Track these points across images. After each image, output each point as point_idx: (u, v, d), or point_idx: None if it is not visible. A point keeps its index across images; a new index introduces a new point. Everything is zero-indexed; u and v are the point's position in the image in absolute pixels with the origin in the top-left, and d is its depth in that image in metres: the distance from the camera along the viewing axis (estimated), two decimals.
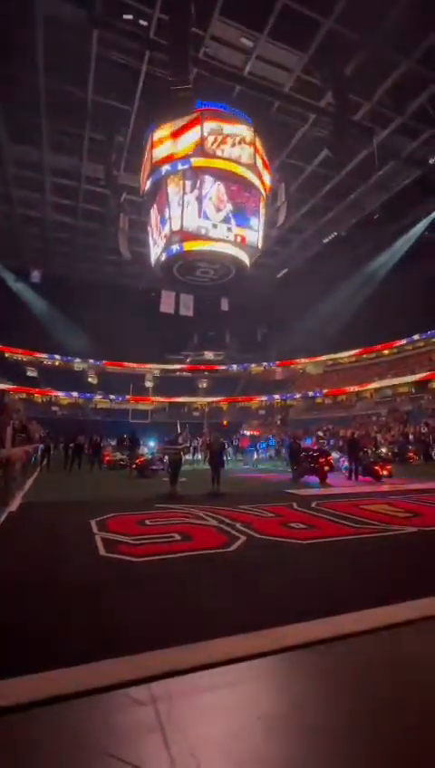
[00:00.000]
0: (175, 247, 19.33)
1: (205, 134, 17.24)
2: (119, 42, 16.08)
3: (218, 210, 18.36)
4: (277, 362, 47.56)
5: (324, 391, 40.25)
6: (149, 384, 45.01)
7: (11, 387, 34.95)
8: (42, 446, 16.04)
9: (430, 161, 22.84)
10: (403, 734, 1.71)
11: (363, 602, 2.94)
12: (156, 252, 21.17)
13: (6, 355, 39.94)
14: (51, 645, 2.44)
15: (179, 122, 17.40)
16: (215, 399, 46.74)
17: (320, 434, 26.63)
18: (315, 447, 14.54)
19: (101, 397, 43.60)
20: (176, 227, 18.04)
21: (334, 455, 14.97)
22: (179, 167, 17.73)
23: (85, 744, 1.65)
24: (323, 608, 2.88)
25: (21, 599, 3.22)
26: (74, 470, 14.53)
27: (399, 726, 1.75)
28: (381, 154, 21.31)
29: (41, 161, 23.66)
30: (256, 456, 21.00)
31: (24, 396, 37.77)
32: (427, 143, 21.77)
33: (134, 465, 13.75)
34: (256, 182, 18.97)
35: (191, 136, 17.38)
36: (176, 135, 17.60)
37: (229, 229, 18.79)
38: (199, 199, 17.81)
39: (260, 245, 20.26)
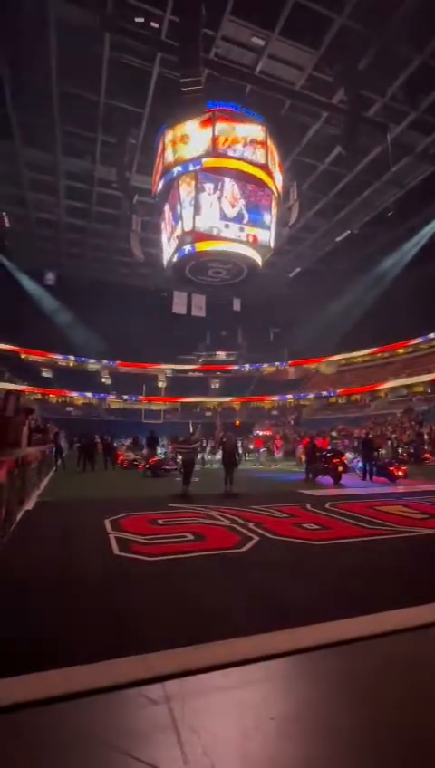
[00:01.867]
0: (187, 248, 19.41)
1: (216, 134, 17.26)
2: (130, 44, 16.22)
3: (231, 210, 18.36)
4: (290, 362, 47.22)
5: (338, 391, 39.83)
6: (161, 384, 45.23)
7: (26, 387, 35.48)
8: (54, 446, 16.21)
9: None
10: (418, 736, 1.69)
11: (378, 605, 2.90)
12: (168, 252, 21.28)
13: (22, 356, 40.54)
14: (66, 642, 2.47)
15: (191, 123, 17.46)
16: (227, 400, 46.68)
17: (334, 434, 26.40)
18: (328, 448, 14.43)
19: (114, 397, 43.97)
20: (188, 228, 18.11)
21: (348, 455, 14.83)
22: (191, 167, 17.79)
23: (100, 741, 1.66)
24: (338, 610, 2.85)
25: (37, 596, 3.27)
26: (87, 470, 14.67)
27: (414, 729, 1.73)
28: (395, 150, 21.05)
29: (54, 164, 24.01)
30: (272, 455, 20.86)
31: (39, 396, 38.31)
32: None
33: (147, 465, 13.83)
34: (268, 181, 18.91)
35: (203, 136, 17.44)
36: (187, 136, 17.66)
37: (241, 229, 18.80)
38: (211, 199, 17.84)
39: (272, 245, 20.22)
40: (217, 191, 18.08)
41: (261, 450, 21.77)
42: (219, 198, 18.12)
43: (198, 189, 17.70)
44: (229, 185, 18.26)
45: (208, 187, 17.92)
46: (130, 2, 14.83)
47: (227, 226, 18.40)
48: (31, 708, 1.82)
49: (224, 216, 18.27)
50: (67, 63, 17.05)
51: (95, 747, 1.63)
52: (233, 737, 1.68)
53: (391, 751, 1.61)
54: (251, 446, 23.86)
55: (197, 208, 17.76)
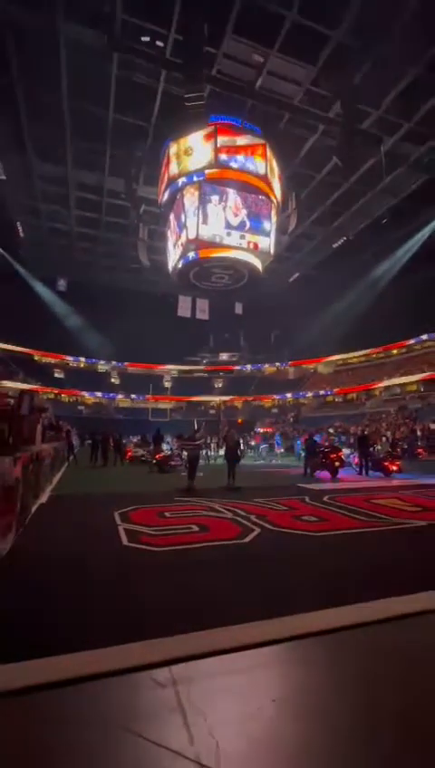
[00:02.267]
0: (191, 255, 19.42)
1: (218, 147, 17.26)
2: (137, 63, 16.25)
3: (233, 218, 18.36)
4: (290, 362, 47.22)
5: (335, 390, 39.77)
6: (167, 384, 45.37)
7: (40, 387, 35.61)
8: (67, 443, 16.28)
9: None
10: (408, 714, 1.69)
11: (374, 593, 2.89)
12: (173, 259, 21.31)
13: (36, 358, 40.73)
14: (79, 628, 2.48)
15: (194, 136, 17.47)
16: (230, 398, 46.67)
17: (331, 431, 26.32)
18: (326, 444, 14.38)
19: (122, 396, 44.06)
20: (192, 236, 18.13)
21: (345, 451, 14.78)
22: (195, 178, 17.81)
23: (111, 721, 1.67)
24: (336, 598, 2.85)
25: (51, 585, 3.28)
26: (99, 465, 14.73)
27: (405, 709, 1.73)
28: (389, 161, 20.99)
29: (66, 177, 24.09)
30: (272, 450, 20.82)
31: (52, 396, 38.42)
32: (434, 149, 21.29)
33: (154, 461, 13.84)
34: (268, 191, 18.89)
35: (206, 149, 17.44)
36: (191, 148, 17.67)
37: (243, 236, 18.78)
38: (215, 209, 17.84)
39: (272, 251, 20.20)
40: (222, 202, 18.08)
41: (262, 446, 21.70)
42: (223, 208, 18.12)
43: (202, 199, 17.71)
44: (232, 195, 18.25)
45: (212, 197, 17.91)
46: (136, 22, 14.84)
47: (229, 234, 18.40)
48: (46, 690, 1.83)
49: (226, 225, 18.27)
50: (78, 81, 17.10)
51: (106, 727, 1.64)
52: (236, 718, 1.68)
53: (383, 730, 1.61)
54: (252, 443, 23.82)
55: (200, 217, 17.76)
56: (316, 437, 14.84)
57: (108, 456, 15.57)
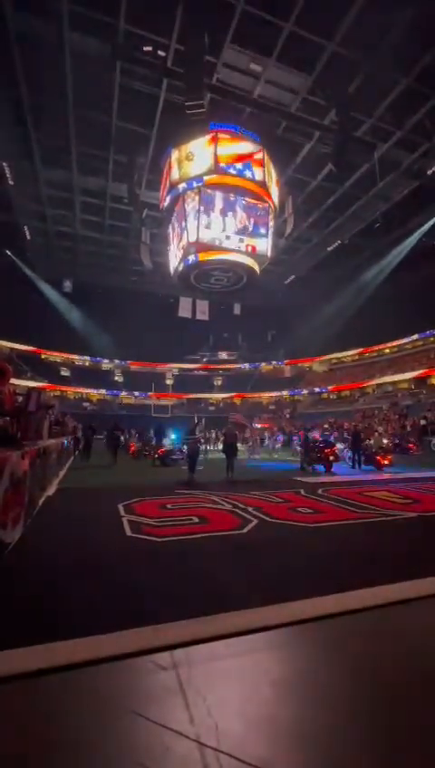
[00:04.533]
0: (191, 257, 19.34)
1: (218, 153, 17.17)
2: (139, 72, 16.16)
3: (232, 222, 18.29)
4: (286, 361, 47.28)
5: (329, 387, 39.80)
6: (169, 382, 45.42)
7: (47, 385, 35.59)
8: (74, 438, 16.23)
9: (429, 172, 22.25)
10: (406, 697, 1.70)
11: (367, 581, 2.90)
12: (175, 262, 21.23)
13: (42, 356, 40.67)
14: (85, 613, 2.49)
15: (195, 143, 17.38)
16: (228, 395, 46.70)
17: (326, 426, 26.32)
18: (320, 439, 14.39)
19: (126, 393, 44.06)
20: (192, 239, 18.05)
21: (339, 446, 14.80)
22: (195, 184, 17.71)
23: (115, 703, 1.68)
24: (330, 585, 2.86)
25: (57, 574, 3.29)
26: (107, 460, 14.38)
27: (398, 691, 1.74)
28: (382, 167, 20.94)
29: (71, 182, 23.98)
30: (271, 447, 20.79)
31: (58, 393, 38.40)
32: (425, 155, 21.24)
33: (156, 455, 13.85)
34: (266, 196, 18.81)
35: (206, 155, 17.34)
36: (192, 154, 17.58)
37: (241, 240, 18.70)
38: (214, 213, 17.77)
39: (269, 254, 20.13)
40: (221, 206, 18.00)
41: (266, 442, 21.57)
42: (222, 212, 18.05)
43: (202, 204, 17.63)
44: (231, 199, 18.17)
45: (212, 201, 17.83)
46: (138, 33, 14.74)
47: (227, 237, 18.32)
48: (54, 674, 1.84)
49: (225, 228, 18.21)
50: (82, 89, 17.01)
51: (111, 708, 1.65)
52: (235, 700, 1.69)
53: (378, 711, 1.61)
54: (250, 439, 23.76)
55: (200, 221, 17.70)
56: (316, 434, 14.91)
57: (116, 454, 14.94)
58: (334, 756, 1.42)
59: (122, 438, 17.29)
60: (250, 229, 18.72)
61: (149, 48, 15.25)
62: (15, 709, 1.66)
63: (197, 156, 17.47)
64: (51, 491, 7.27)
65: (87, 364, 44.71)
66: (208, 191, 17.67)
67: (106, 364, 46.01)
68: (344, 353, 40.91)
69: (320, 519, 5.12)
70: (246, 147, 17.84)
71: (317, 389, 40.94)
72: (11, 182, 23.00)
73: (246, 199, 18.41)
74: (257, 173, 18.01)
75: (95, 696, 1.75)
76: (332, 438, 16.91)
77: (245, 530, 4.58)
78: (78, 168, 22.48)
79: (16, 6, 13.86)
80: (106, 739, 1.49)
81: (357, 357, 40.18)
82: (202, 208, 17.53)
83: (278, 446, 21.76)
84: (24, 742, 1.49)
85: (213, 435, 22.77)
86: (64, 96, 17.40)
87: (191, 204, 17.95)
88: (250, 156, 17.83)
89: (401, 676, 1.86)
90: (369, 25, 14.11)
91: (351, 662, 1.99)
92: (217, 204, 17.84)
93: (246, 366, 49.15)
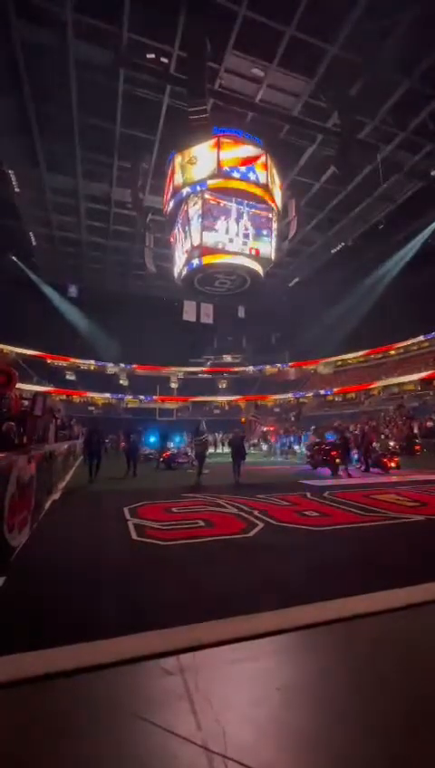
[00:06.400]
0: (195, 261, 19.41)
1: (221, 158, 17.26)
2: (143, 78, 16.29)
3: (235, 226, 18.35)
4: (290, 363, 47.14)
5: (335, 389, 39.61)
6: (173, 385, 45.47)
7: (52, 389, 35.79)
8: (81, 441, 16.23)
9: (432, 173, 22.16)
10: (413, 701, 1.68)
11: (374, 586, 2.88)
12: (179, 265, 21.31)
13: (48, 361, 40.91)
14: (90, 619, 2.49)
15: (198, 148, 17.48)
16: (233, 398, 46.65)
17: (335, 425, 26.02)
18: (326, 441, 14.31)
19: (131, 397, 44.16)
20: (196, 243, 18.12)
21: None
22: (198, 188, 17.80)
23: (122, 708, 1.68)
24: (336, 590, 2.83)
25: (63, 577, 3.30)
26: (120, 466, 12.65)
27: (405, 697, 1.72)
28: (385, 169, 20.90)
29: (75, 188, 24.17)
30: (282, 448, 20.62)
31: (63, 397, 38.59)
32: (428, 156, 21.17)
33: (162, 459, 13.86)
34: (269, 199, 18.85)
35: (209, 159, 17.43)
36: (195, 158, 17.69)
37: (244, 243, 18.75)
38: (218, 217, 17.85)
39: (273, 257, 20.13)
40: (224, 209, 18.07)
41: (277, 445, 21.39)
42: (226, 216, 18.12)
43: (206, 208, 17.71)
44: (235, 203, 18.24)
45: (216, 205, 17.91)
46: (141, 40, 14.89)
47: (231, 241, 18.36)
48: (60, 678, 1.84)
49: (228, 232, 18.26)
50: (86, 97, 17.17)
51: (117, 713, 1.64)
52: (242, 705, 1.68)
53: (383, 716, 1.60)
54: (254, 441, 23.65)
55: (204, 225, 17.77)
56: (328, 437, 14.87)
57: (135, 462, 12.29)
58: (342, 762, 1.40)
59: (108, 442, 17.01)
60: (254, 232, 18.77)
61: (152, 55, 15.38)
62: (21, 713, 1.66)
63: (200, 160, 17.56)
64: (56, 495, 7.30)
65: (92, 368, 44.91)
66: (213, 195, 17.75)
67: (111, 368, 46.17)
68: (350, 355, 40.73)
69: (326, 522, 5.08)
70: (248, 150, 17.91)
71: (322, 392, 40.73)
72: (17, 189, 23.26)
73: (250, 203, 18.47)
74: (261, 176, 18.07)
75: (102, 701, 1.75)
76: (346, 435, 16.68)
77: (250, 533, 4.56)
78: (82, 174, 22.67)
79: (21, 15, 14.07)
80: (112, 744, 1.48)
81: (363, 359, 39.98)
82: (205, 212, 17.61)
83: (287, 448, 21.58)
84: (29, 747, 1.49)
85: (218, 437, 22.77)
86: (69, 103, 17.59)
87: (195, 208, 18.05)
88: (253, 159, 17.89)
89: (409, 683, 1.84)
90: (370, 28, 14.13)
91: (354, 667, 1.97)
92: (221, 207, 17.91)
93: (251, 369, 49.09)
